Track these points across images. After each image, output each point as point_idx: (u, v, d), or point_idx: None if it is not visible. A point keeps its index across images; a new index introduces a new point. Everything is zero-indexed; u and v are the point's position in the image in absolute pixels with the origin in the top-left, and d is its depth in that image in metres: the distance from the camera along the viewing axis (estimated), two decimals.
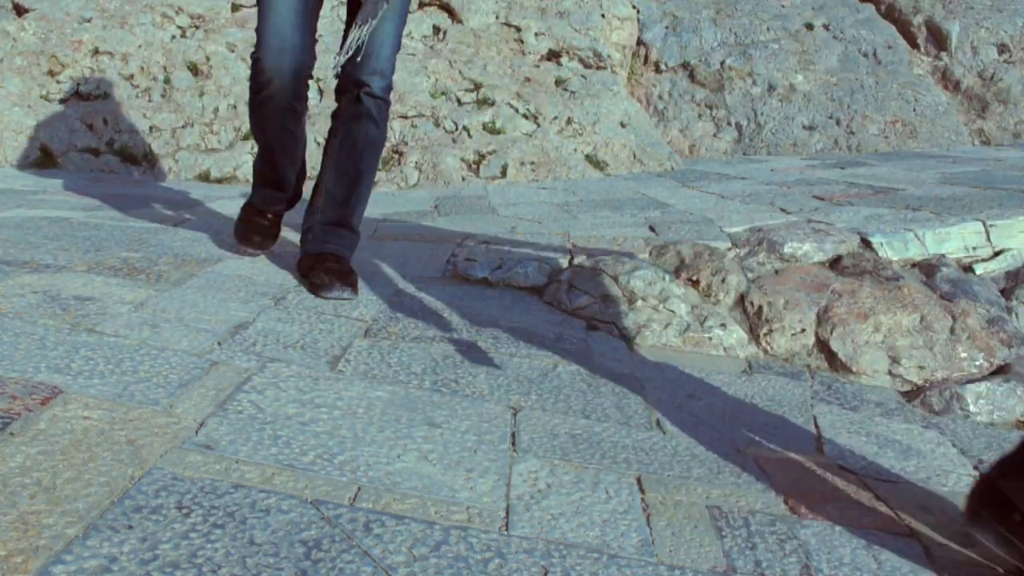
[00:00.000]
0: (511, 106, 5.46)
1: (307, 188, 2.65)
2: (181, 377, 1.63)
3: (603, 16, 6.38)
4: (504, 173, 5.04)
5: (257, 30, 2.28)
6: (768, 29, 6.99)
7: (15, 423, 1.32)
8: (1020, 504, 1.36)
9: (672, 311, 2.50)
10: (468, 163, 5.05)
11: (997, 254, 3.03)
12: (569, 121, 5.48)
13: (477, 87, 5.53)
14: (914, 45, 7.14)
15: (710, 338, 2.45)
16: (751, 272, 2.73)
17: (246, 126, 5.06)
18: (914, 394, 2.31)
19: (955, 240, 3.00)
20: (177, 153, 4.92)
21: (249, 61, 2.36)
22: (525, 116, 5.45)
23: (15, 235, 2.62)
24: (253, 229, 2.64)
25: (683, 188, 4.59)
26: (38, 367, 1.56)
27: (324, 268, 2.32)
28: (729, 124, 6.53)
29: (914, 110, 6.55)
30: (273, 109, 2.35)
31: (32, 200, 3.46)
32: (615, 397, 1.93)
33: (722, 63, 6.74)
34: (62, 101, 5.09)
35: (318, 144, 4.96)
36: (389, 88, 2.40)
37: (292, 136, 2.45)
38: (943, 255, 2.92)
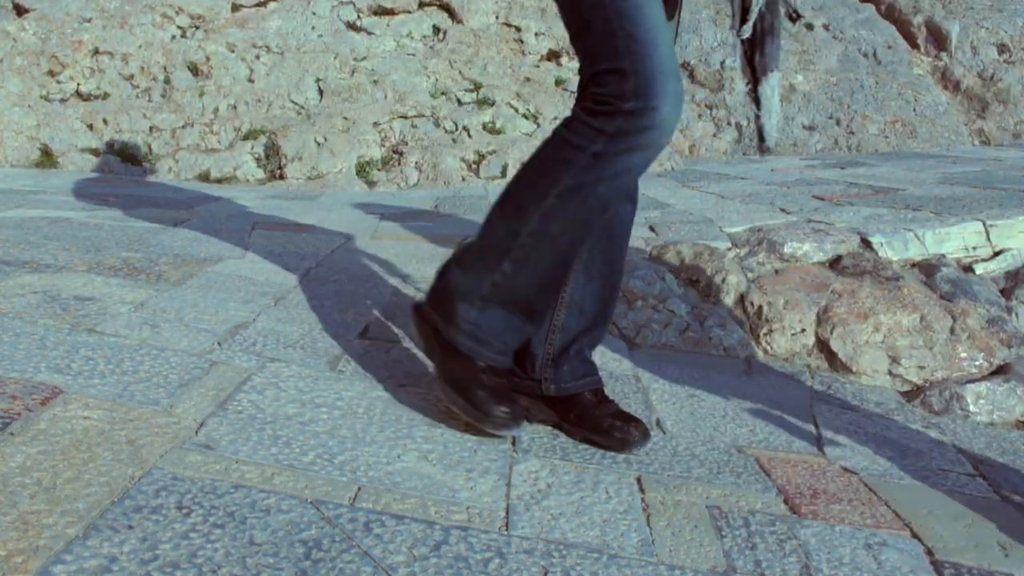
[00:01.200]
0: (511, 106, 5.46)
1: None
2: (181, 377, 1.63)
3: None
4: (504, 173, 5.04)
5: (640, 63, 1.44)
6: None
7: (15, 423, 1.32)
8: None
9: (672, 311, 2.50)
10: (468, 163, 5.05)
11: (997, 254, 3.03)
12: None
13: (477, 87, 5.53)
14: (914, 45, 7.14)
15: (710, 338, 2.45)
16: (751, 272, 2.73)
17: (246, 126, 5.06)
18: (914, 394, 2.31)
19: (955, 240, 3.00)
20: (177, 153, 4.92)
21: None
22: (525, 116, 5.45)
23: (15, 235, 2.62)
24: (500, 395, 1.60)
25: (683, 188, 4.59)
26: (38, 367, 1.56)
27: (616, 415, 1.68)
28: (729, 124, 6.53)
29: (914, 110, 6.55)
30: (632, 183, 1.63)
31: (32, 200, 3.46)
32: (615, 397, 1.93)
33: (722, 63, 6.74)
34: (62, 101, 5.09)
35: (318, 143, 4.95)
36: None
37: None
38: (943, 255, 2.92)
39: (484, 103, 5.43)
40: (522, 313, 1.59)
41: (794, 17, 1.63)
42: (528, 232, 1.53)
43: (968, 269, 2.94)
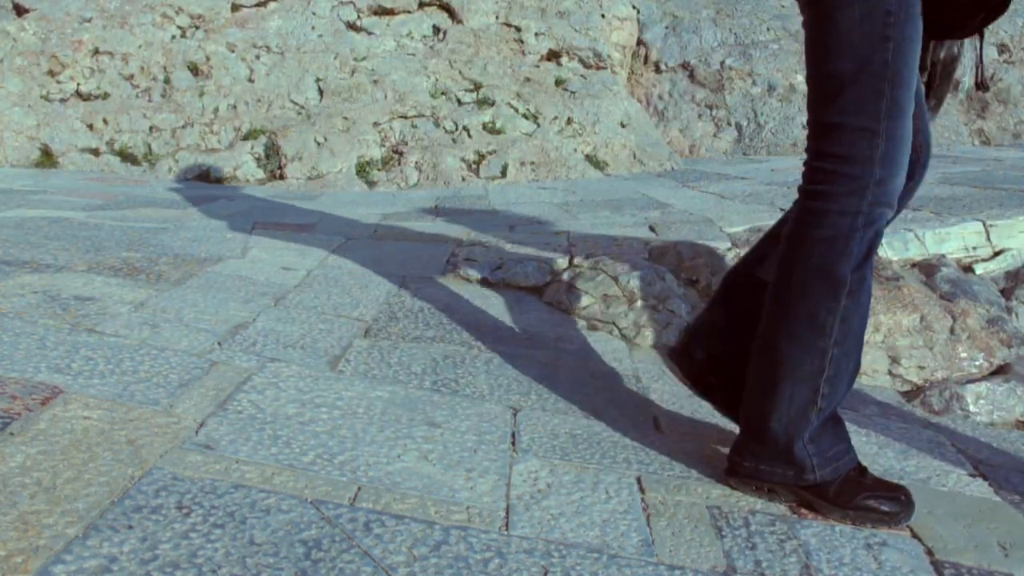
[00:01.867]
0: (511, 106, 5.46)
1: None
2: (181, 377, 1.63)
3: (603, 16, 6.38)
4: (504, 173, 5.04)
5: (894, 130, 1.41)
6: (768, 29, 6.99)
7: (15, 423, 1.32)
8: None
9: (672, 311, 2.50)
10: (468, 163, 5.05)
11: (997, 254, 3.03)
12: (569, 121, 5.48)
13: (477, 87, 5.53)
14: None
15: None
16: None
17: (246, 126, 5.06)
18: (914, 394, 2.31)
19: (955, 240, 3.00)
20: (177, 153, 4.93)
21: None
22: (525, 116, 5.45)
23: (15, 235, 2.62)
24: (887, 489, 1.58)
25: (683, 188, 4.59)
26: (38, 367, 1.56)
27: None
28: (729, 124, 6.53)
29: None
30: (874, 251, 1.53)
31: (32, 200, 3.46)
32: (615, 397, 1.93)
33: (722, 63, 6.74)
34: (62, 101, 5.09)
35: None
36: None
37: None
38: (943, 255, 2.92)
39: (484, 103, 5.43)
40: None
41: (983, 86, 1.61)
42: (834, 342, 1.46)
43: (968, 269, 2.94)
